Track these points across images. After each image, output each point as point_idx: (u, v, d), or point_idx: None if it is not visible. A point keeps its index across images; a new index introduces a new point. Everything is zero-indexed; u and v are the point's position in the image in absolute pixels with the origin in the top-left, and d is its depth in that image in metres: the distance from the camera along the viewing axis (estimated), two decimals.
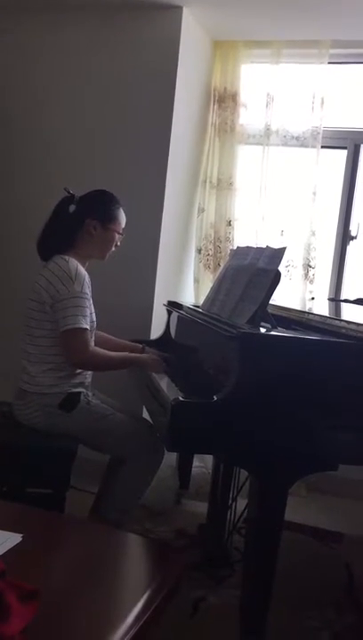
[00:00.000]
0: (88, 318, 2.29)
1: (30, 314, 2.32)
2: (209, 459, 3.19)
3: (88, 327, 2.27)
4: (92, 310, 2.39)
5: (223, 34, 3.56)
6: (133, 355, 2.53)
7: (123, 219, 2.49)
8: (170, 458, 3.00)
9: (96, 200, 2.46)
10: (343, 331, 1.99)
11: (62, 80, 3.48)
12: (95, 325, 2.42)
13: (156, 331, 3.26)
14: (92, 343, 2.38)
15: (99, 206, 2.44)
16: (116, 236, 2.47)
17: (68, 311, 2.22)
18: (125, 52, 3.38)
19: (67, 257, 2.32)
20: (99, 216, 2.42)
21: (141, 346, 2.67)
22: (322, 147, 3.48)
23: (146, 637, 1.04)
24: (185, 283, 3.76)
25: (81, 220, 2.41)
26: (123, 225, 2.49)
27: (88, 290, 2.30)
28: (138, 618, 1.03)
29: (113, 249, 2.50)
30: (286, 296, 3.22)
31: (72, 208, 2.41)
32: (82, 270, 2.30)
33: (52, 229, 2.42)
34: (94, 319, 2.40)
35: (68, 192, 2.44)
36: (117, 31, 3.38)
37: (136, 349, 2.63)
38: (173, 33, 3.28)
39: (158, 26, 3.31)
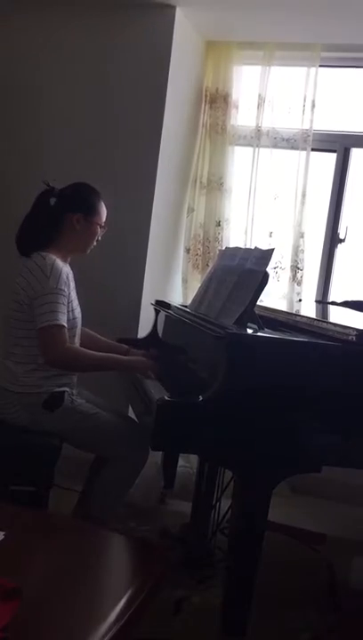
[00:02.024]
0: (65, 315, 2.24)
1: (12, 314, 2.29)
2: (194, 458, 3.19)
3: (65, 324, 2.22)
4: (75, 307, 2.35)
5: (216, 34, 3.57)
6: (120, 357, 2.44)
7: (104, 212, 2.45)
8: (155, 457, 3.00)
9: (78, 193, 2.41)
10: (330, 333, 1.99)
11: (53, 79, 3.46)
12: (78, 322, 2.39)
13: (143, 330, 3.26)
14: (77, 341, 2.36)
15: (81, 199, 2.40)
16: (99, 229, 2.44)
17: (43, 308, 2.18)
18: (117, 51, 3.36)
19: (44, 253, 2.27)
20: (82, 209, 2.38)
21: (125, 347, 2.62)
22: (312, 149, 3.49)
23: (128, 636, 1.05)
24: (173, 282, 3.76)
25: (62, 214, 2.36)
26: (104, 218, 2.45)
27: (65, 286, 2.24)
28: (120, 616, 1.03)
29: (95, 243, 2.47)
30: (273, 297, 3.23)
31: (52, 201, 2.36)
32: (58, 266, 2.25)
33: (32, 223, 2.37)
34: (77, 315, 2.37)
35: (48, 185, 2.38)
36: (109, 30, 3.37)
37: (121, 350, 2.58)
38: (166, 33, 3.28)
39: (151, 25, 3.30)
